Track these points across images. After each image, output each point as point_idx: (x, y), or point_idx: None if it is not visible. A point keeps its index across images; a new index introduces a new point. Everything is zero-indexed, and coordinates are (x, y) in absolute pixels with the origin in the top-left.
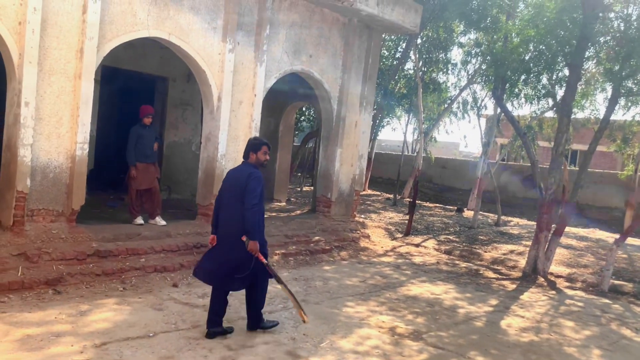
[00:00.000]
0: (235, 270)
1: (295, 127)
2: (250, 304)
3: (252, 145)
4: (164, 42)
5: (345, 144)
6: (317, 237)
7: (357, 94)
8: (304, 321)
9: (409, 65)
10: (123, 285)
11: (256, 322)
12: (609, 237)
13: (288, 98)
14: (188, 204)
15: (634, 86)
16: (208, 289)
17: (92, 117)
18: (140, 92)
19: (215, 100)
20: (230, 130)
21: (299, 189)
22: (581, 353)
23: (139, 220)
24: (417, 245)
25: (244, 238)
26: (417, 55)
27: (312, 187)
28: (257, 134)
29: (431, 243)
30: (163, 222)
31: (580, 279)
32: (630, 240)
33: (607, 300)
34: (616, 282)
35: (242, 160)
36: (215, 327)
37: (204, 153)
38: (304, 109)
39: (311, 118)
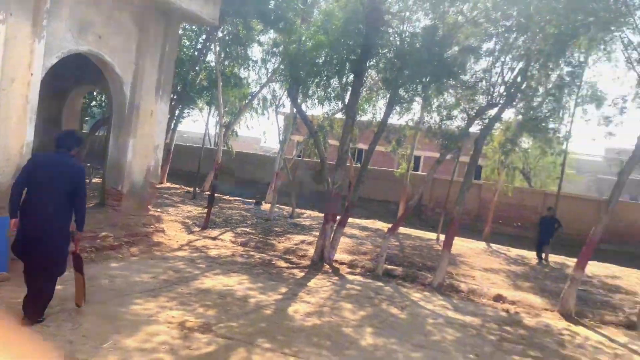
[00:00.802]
0: (54, 259)
1: (85, 113)
2: (44, 295)
3: (78, 140)
4: None
5: (140, 134)
6: (104, 233)
7: (154, 82)
8: (78, 305)
9: (211, 57)
10: None
11: (41, 314)
12: (386, 227)
13: (75, 81)
14: None
15: (406, 94)
16: None
17: None
18: None
19: None
20: None
21: (87, 180)
22: (356, 332)
23: None
24: (214, 239)
25: (74, 228)
26: (219, 49)
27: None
28: (34, 117)
29: (228, 236)
30: None
31: (360, 265)
32: (402, 230)
33: (380, 283)
34: (389, 266)
35: (58, 149)
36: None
37: None
38: (95, 93)
39: (103, 104)
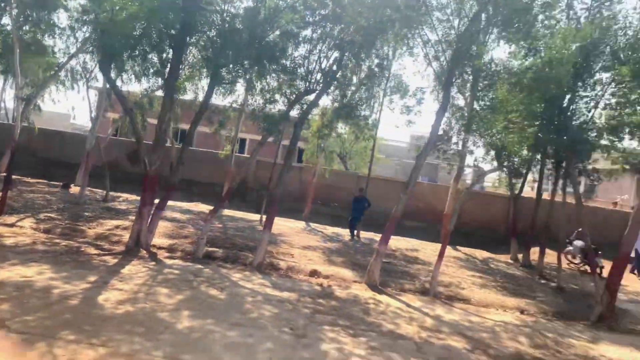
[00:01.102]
0: None
1: None
2: None
3: None
4: None
5: None
6: None
7: None
8: None
9: (7, 20)
10: None
11: None
12: (209, 209)
13: None
14: None
15: (228, 75)
16: None
17: None
18: None
19: None
20: None
21: None
22: (172, 316)
23: None
24: (11, 226)
25: None
26: (16, 11)
27: None
28: None
29: (28, 222)
30: None
31: (180, 248)
32: (227, 212)
33: (200, 266)
34: (210, 249)
35: None
36: None
37: None
38: None
39: None
